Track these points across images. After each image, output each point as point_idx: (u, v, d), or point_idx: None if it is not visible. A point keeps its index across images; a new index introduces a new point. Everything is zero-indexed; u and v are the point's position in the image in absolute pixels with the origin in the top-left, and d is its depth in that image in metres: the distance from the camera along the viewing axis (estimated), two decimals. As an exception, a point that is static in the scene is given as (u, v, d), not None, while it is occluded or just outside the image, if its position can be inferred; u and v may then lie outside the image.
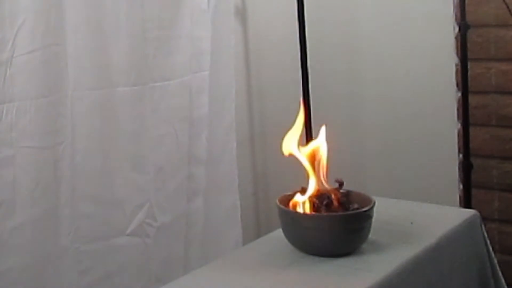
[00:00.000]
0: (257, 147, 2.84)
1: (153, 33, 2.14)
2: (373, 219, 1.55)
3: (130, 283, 2.15)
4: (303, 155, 1.59)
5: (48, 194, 1.94)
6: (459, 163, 2.47)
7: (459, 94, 2.39)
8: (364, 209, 1.54)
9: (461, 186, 2.47)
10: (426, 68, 2.54)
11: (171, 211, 2.24)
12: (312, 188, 1.56)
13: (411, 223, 1.69)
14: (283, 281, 1.46)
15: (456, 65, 2.43)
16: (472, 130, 2.36)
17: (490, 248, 1.78)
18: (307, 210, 1.56)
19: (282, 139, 1.60)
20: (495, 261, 1.79)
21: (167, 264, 2.23)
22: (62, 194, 1.97)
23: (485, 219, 1.89)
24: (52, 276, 1.96)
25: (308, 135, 2.47)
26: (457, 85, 2.44)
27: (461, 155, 2.45)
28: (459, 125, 2.46)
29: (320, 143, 1.60)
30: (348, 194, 1.60)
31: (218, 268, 1.56)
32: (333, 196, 1.57)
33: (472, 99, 2.37)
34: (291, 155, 1.59)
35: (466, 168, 2.37)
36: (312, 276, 1.47)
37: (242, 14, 2.71)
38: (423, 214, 1.77)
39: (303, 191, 1.57)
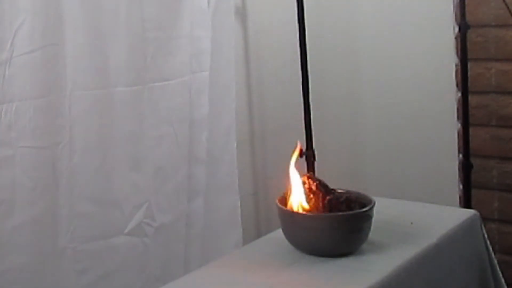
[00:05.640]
0: (257, 147, 2.84)
1: (153, 33, 2.14)
2: (373, 219, 1.55)
3: (129, 283, 2.14)
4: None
5: (47, 194, 1.93)
6: (459, 163, 2.47)
7: (459, 94, 2.39)
8: (364, 209, 1.54)
9: (461, 186, 2.47)
10: (426, 68, 2.54)
11: (171, 211, 2.23)
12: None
13: (411, 223, 1.69)
14: (283, 281, 1.46)
15: (456, 65, 2.43)
16: (472, 130, 2.36)
17: (490, 248, 1.78)
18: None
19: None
20: (495, 261, 1.79)
21: (166, 264, 2.22)
22: (61, 193, 1.96)
23: (485, 219, 1.89)
24: (50, 275, 1.96)
25: (308, 136, 2.47)
26: (457, 85, 2.44)
27: (461, 155, 2.44)
28: (459, 125, 2.46)
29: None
30: (348, 194, 1.60)
31: (218, 268, 1.56)
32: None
33: (472, 99, 2.37)
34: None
35: (466, 168, 2.37)
36: (312, 276, 1.47)
37: (242, 14, 2.71)
38: (423, 214, 1.77)
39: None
